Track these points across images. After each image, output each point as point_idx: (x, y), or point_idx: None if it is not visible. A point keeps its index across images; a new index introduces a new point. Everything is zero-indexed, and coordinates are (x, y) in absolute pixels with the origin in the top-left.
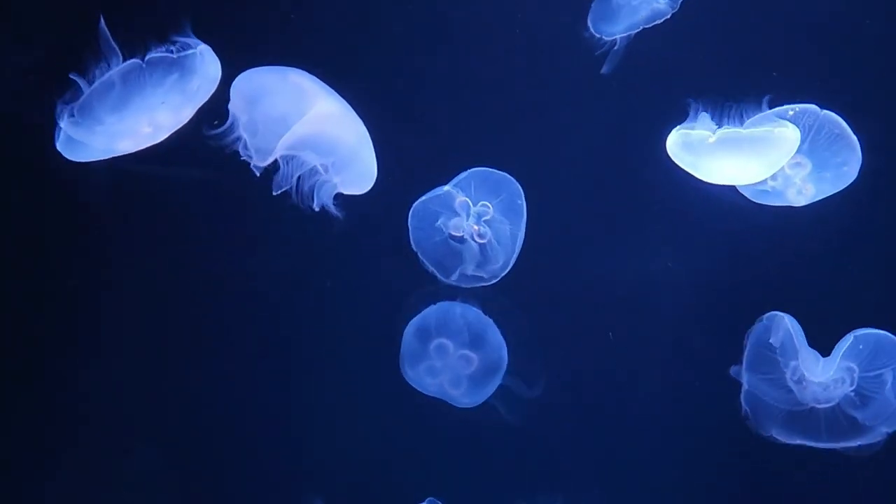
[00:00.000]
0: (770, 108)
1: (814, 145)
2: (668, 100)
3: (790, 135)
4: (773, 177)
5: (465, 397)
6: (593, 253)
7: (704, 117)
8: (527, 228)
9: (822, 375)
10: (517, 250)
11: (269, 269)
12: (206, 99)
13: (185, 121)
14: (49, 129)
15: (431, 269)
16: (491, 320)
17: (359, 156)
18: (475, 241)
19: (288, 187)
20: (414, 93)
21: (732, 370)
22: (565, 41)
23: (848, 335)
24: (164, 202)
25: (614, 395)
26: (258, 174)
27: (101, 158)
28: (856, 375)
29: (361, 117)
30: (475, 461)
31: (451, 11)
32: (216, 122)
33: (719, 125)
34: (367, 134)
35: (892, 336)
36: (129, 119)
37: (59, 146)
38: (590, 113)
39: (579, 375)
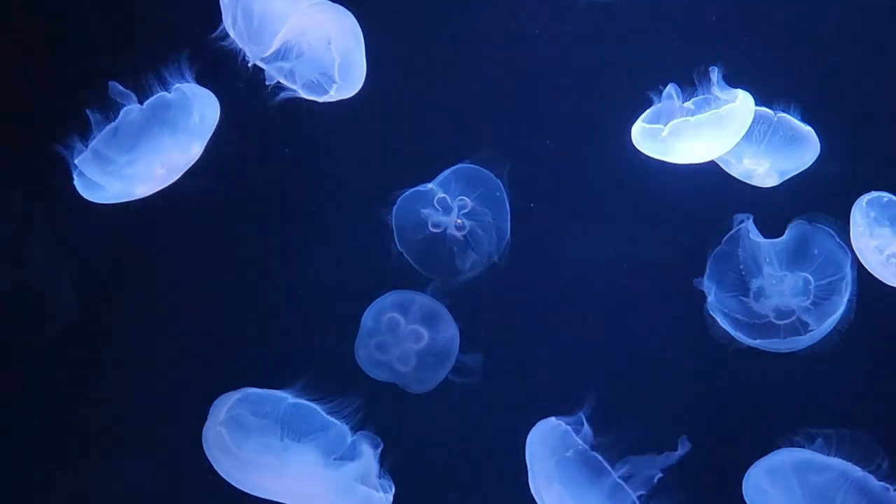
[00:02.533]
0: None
1: (771, 146)
2: (640, 84)
3: (740, 107)
4: (737, 167)
5: (415, 379)
6: (579, 239)
7: (668, 102)
8: (512, 220)
9: (782, 289)
10: (504, 240)
11: (261, 270)
12: (210, 131)
13: (196, 157)
14: (66, 169)
15: (416, 265)
16: (443, 306)
17: (351, 49)
18: (457, 234)
19: (278, 80)
20: (394, 91)
21: (696, 281)
22: (542, 36)
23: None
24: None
25: (598, 376)
26: (250, 66)
27: (120, 201)
28: (811, 287)
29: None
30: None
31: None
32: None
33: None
34: (360, 30)
35: (841, 244)
36: (141, 162)
37: (77, 186)
38: (566, 103)
39: (559, 362)
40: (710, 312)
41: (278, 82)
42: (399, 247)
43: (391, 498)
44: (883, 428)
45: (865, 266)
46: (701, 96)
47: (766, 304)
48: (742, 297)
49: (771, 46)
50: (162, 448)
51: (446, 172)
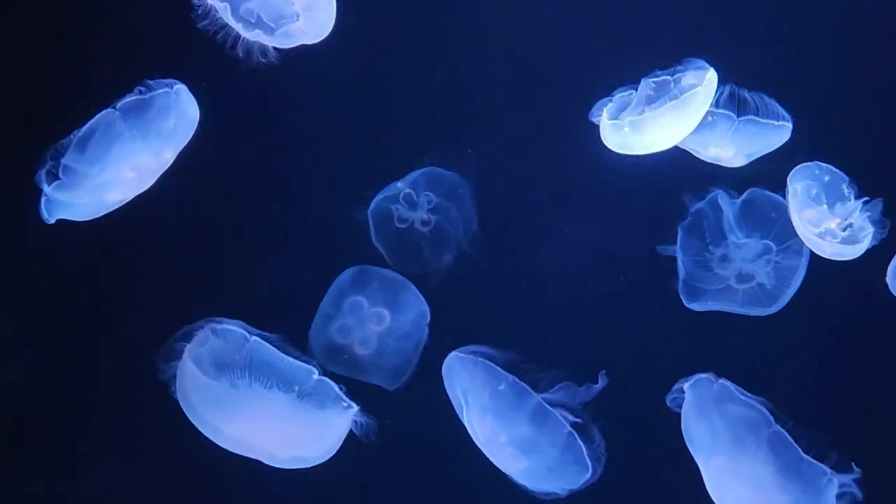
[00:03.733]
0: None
1: (734, 135)
2: (607, 76)
3: (699, 94)
4: (704, 154)
5: (375, 366)
6: (549, 227)
7: (628, 94)
8: (480, 215)
9: (744, 254)
10: (470, 233)
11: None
12: (186, 140)
13: (168, 164)
14: (31, 196)
15: (390, 260)
16: (411, 285)
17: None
18: (423, 229)
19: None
20: (363, 88)
21: (659, 248)
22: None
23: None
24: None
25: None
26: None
27: (92, 217)
28: (773, 253)
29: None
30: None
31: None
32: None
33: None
34: None
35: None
36: (112, 167)
37: (44, 213)
38: (533, 97)
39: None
40: (678, 281)
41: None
42: (374, 242)
43: (352, 413)
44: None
45: (802, 239)
46: (661, 77)
47: (728, 270)
48: (706, 264)
49: (736, 28)
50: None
51: (415, 173)
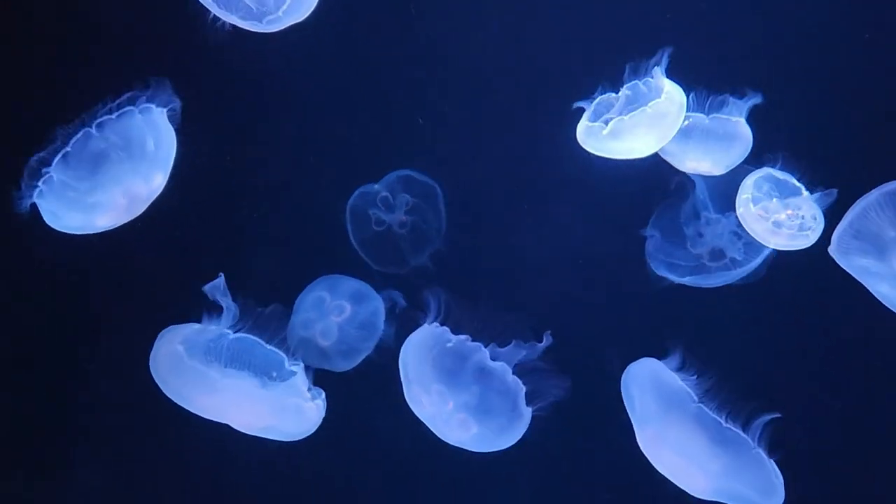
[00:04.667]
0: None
1: (708, 147)
2: (584, 82)
3: (669, 103)
4: (683, 166)
5: (336, 354)
6: (524, 231)
7: (605, 101)
8: (456, 215)
9: (716, 230)
10: (442, 232)
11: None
12: (170, 161)
13: (159, 189)
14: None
15: (368, 260)
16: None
17: None
18: (400, 231)
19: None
20: (338, 89)
21: (642, 231)
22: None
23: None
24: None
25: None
26: None
27: (84, 232)
28: (742, 229)
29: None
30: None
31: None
32: None
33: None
34: None
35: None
36: (102, 190)
37: (42, 213)
38: (512, 100)
39: None
40: (649, 257)
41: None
42: (353, 243)
43: (322, 404)
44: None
45: (751, 233)
46: (635, 81)
47: (701, 248)
48: (680, 242)
49: (712, 36)
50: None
51: (391, 176)
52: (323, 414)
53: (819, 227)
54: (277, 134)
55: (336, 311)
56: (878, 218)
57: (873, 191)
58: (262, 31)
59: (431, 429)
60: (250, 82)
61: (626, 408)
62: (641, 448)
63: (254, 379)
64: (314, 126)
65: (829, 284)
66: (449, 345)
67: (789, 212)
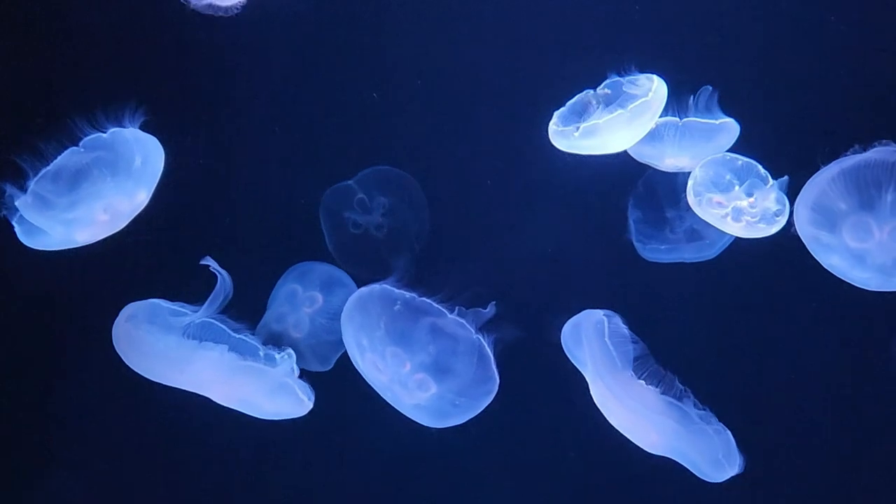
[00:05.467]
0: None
1: (684, 145)
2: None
3: (648, 104)
4: (662, 165)
5: (307, 349)
6: (504, 231)
7: (583, 98)
8: (435, 217)
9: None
10: (423, 234)
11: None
12: (156, 178)
13: (142, 205)
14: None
15: (346, 267)
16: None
17: None
18: (377, 234)
19: None
20: (313, 89)
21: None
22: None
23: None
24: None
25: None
26: None
27: (63, 248)
28: None
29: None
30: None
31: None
32: None
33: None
34: None
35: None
36: (83, 206)
37: (18, 234)
38: (487, 98)
39: None
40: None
41: None
42: (331, 249)
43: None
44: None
45: (710, 221)
46: (614, 79)
47: (679, 230)
48: (660, 224)
49: (686, 33)
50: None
51: (366, 171)
52: (311, 396)
53: (784, 214)
54: (249, 132)
55: (308, 302)
56: (832, 191)
57: (830, 164)
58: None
59: (388, 397)
60: (220, 79)
61: (574, 361)
62: (595, 402)
63: (231, 352)
64: (288, 122)
65: (785, 261)
66: (397, 307)
67: (751, 199)
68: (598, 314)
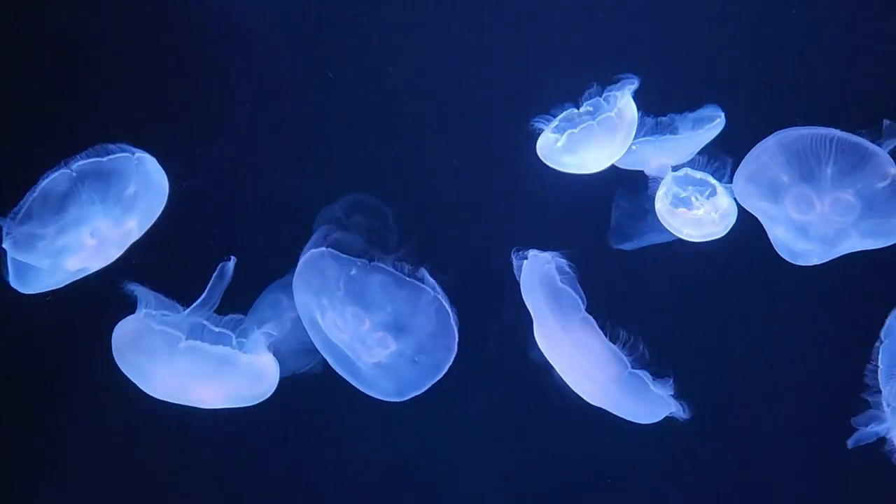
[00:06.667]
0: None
1: (665, 148)
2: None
3: (624, 115)
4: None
5: (287, 350)
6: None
7: (568, 114)
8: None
9: None
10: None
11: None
12: (154, 211)
13: (134, 235)
14: None
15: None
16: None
17: None
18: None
19: None
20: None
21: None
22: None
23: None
24: None
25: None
26: None
27: (57, 286)
28: None
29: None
30: None
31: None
32: None
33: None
34: None
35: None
36: (70, 231)
37: (10, 280)
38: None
39: None
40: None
41: None
42: None
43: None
44: None
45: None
46: (598, 98)
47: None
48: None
49: (670, 40)
50: None
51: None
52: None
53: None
54: (241, 142)
55: (291, 309)
56: (773, 163)
57: (769, 137)
58: None
59: (352, 355)
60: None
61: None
62: (540, 347)
63: (212, 346)
64: (279, 134)
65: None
66: (353, 272)
67: (706, 208)
68: (546, 256)
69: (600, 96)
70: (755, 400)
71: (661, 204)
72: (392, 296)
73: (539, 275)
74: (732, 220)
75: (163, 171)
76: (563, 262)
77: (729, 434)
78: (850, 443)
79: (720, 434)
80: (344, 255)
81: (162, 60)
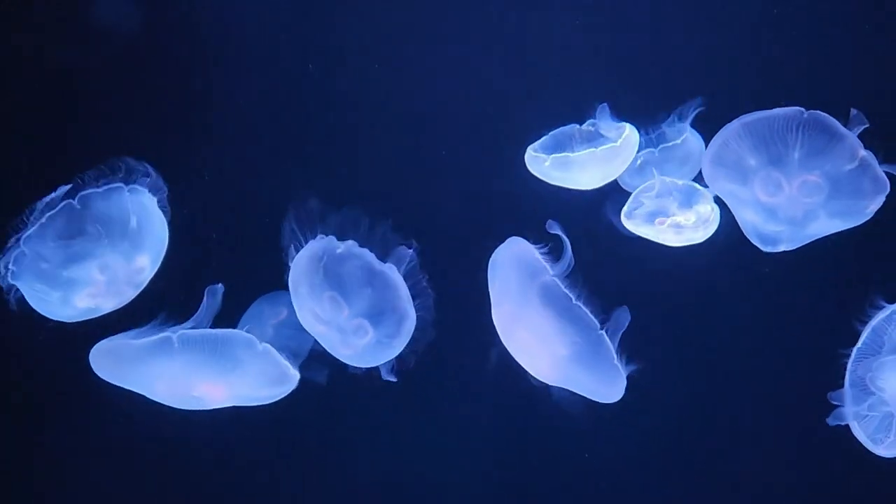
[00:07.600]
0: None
1: (664, 171)
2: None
3: (618, 150)
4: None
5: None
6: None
7: (565, 131)
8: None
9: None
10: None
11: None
12: (161, 247)
13: (145, 274)
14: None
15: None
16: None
17: None
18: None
19: None
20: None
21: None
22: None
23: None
24: None
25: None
26: None
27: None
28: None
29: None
30: None
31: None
32: None
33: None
34: None
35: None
36: (76, 266)
37: (26, 295)
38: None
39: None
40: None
41: None
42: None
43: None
44: None
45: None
46: (595, 121)
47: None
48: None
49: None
50: None
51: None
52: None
53: (715, 218)
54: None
55: (273, 316)
56: (738, 147)
57: (734, 121)
58: None
59: (327, 346)
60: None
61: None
62: (497, 328)
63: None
64: (270, 142)
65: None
66: (339, 251)
67: (687, 215)
68: (519, 238)
69: (600, 123)
70: (736, 393)
71: (637, 221)
72: (371, 282)
73: (510, 248)
74: (714, 226)
75: (155, 203)
76: (525, 243)
77: (710, 423)
78: (829, 420)
79: (701, 424)
80: (327, 238)
81: (152, 67)
